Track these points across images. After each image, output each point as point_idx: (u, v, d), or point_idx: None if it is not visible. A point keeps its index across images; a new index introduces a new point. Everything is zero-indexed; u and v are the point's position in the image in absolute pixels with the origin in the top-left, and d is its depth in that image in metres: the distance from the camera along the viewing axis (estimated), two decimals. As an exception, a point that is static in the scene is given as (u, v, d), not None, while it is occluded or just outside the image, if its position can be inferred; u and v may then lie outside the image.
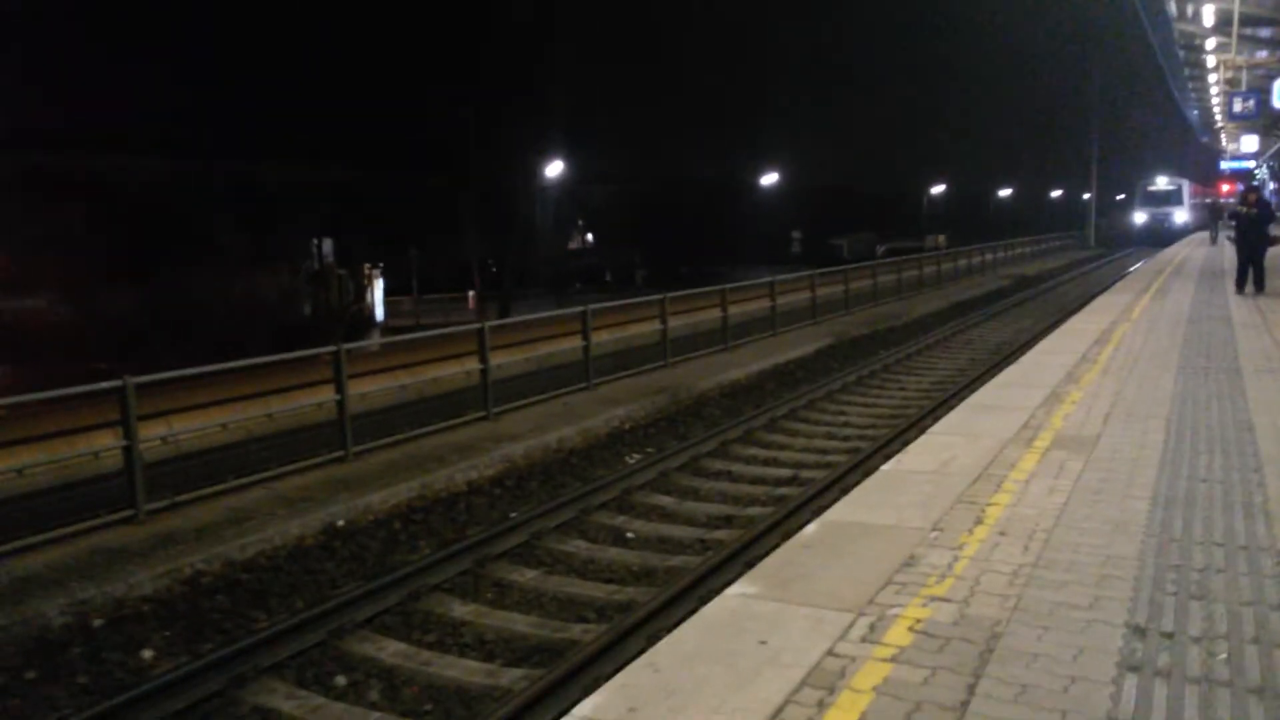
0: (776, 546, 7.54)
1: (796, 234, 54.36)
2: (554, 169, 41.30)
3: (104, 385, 8.39)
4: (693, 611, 6.39)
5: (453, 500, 9.18)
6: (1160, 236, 56.69)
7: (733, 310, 18.13)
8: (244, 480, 9.23)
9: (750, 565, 7.15)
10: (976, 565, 4.66)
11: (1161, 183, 62.93)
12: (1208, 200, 66.62)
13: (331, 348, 10.30)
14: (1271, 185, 49.89)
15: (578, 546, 8.01)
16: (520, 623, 6.46)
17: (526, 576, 7.33)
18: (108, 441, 8.77)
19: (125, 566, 7.04)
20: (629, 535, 8.28)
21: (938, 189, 73.53)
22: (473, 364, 12.28)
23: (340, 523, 8.46)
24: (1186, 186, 62.98)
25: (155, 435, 9.22)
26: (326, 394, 10.61)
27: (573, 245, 75.84)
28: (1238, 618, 4.00)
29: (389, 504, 8.91)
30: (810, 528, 5.43)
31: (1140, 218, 62.93)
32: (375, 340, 18.51)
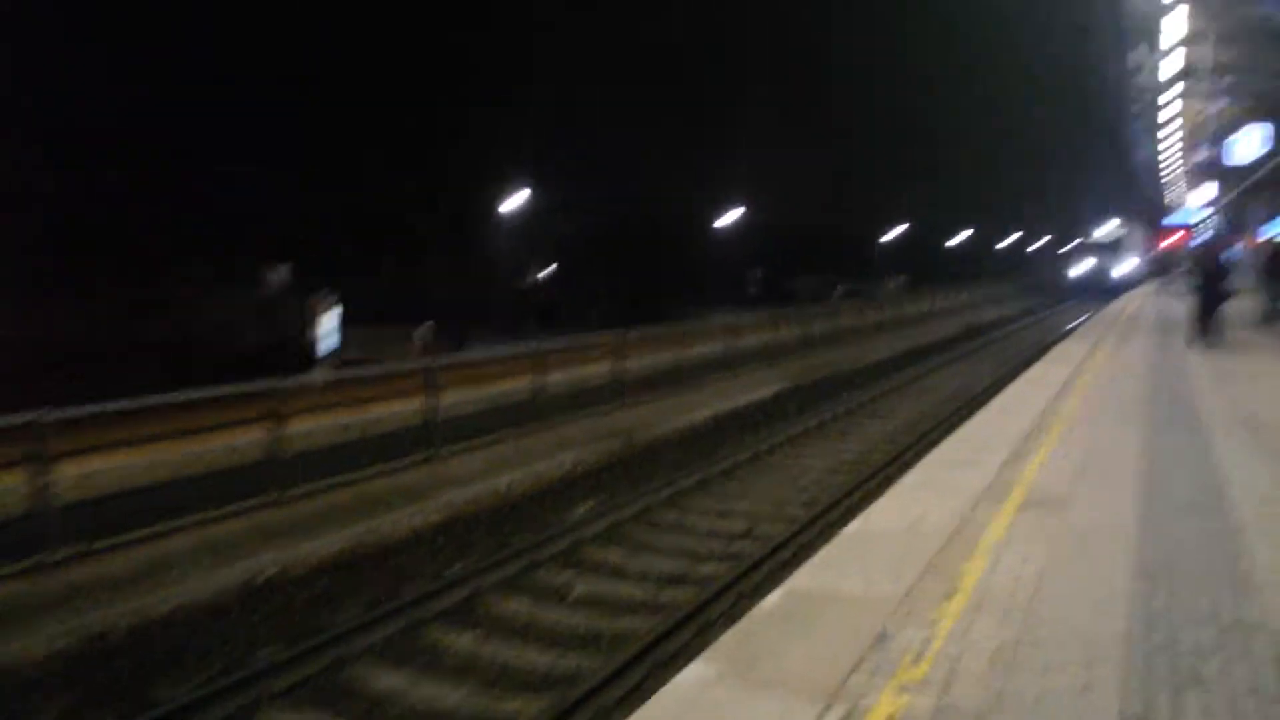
0: (733, 608, 7.15)
1: (757, 274, 54.37)
2: (517, 199, 40.90)
3: (16, 419, 7.78)
4: (643, 682, 5.98)
5: (391, 550, 8.65)
6: (1102, 288, 54.44)
7: (691, 351, 17.81)
8: (168, 525, 8.64)
9: (702, 630, 6.75)
10: (954, 643, 4.27)
11: (1104, 231, 61.92)
12: (1157, 252, 67.35)
13: (269, 384, 9.75)
14: (1210, 237, 49.24)
15: (521, 606, 7.53)
16: (451, 696, 5.96)
17: (463, 640, 6.83)
18: (14, 482, 8.14)
19: (23, 623, 6.43)
20: (576, 594, 7.81)
21: (896, 232, 74.21)
22: (420, 402, 11.78)
23: (269, 574, 7.90)
24: (1129, 235, 61.74)
25: (71, 475, 8.61)
26: (264, 432, 10.05)
27: (531, 279, 75.47)
28: (1238, 711, 3.65)
29: (323, 553, 8.35)
30: (774, 596, 5.01)
31: (1081, 268, 61.33)
32: (317, 376, 17.88)
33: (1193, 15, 17.53)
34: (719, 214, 52.21)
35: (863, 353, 24.62)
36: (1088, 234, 61.89)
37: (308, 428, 11.72)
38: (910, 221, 70.63)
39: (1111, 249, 59.92)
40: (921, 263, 78.18)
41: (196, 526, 8.68)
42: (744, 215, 52.98)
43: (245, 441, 10.62)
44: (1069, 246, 66.10)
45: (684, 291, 62.20)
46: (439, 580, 7.85)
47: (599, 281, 59.88)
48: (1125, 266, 58.74)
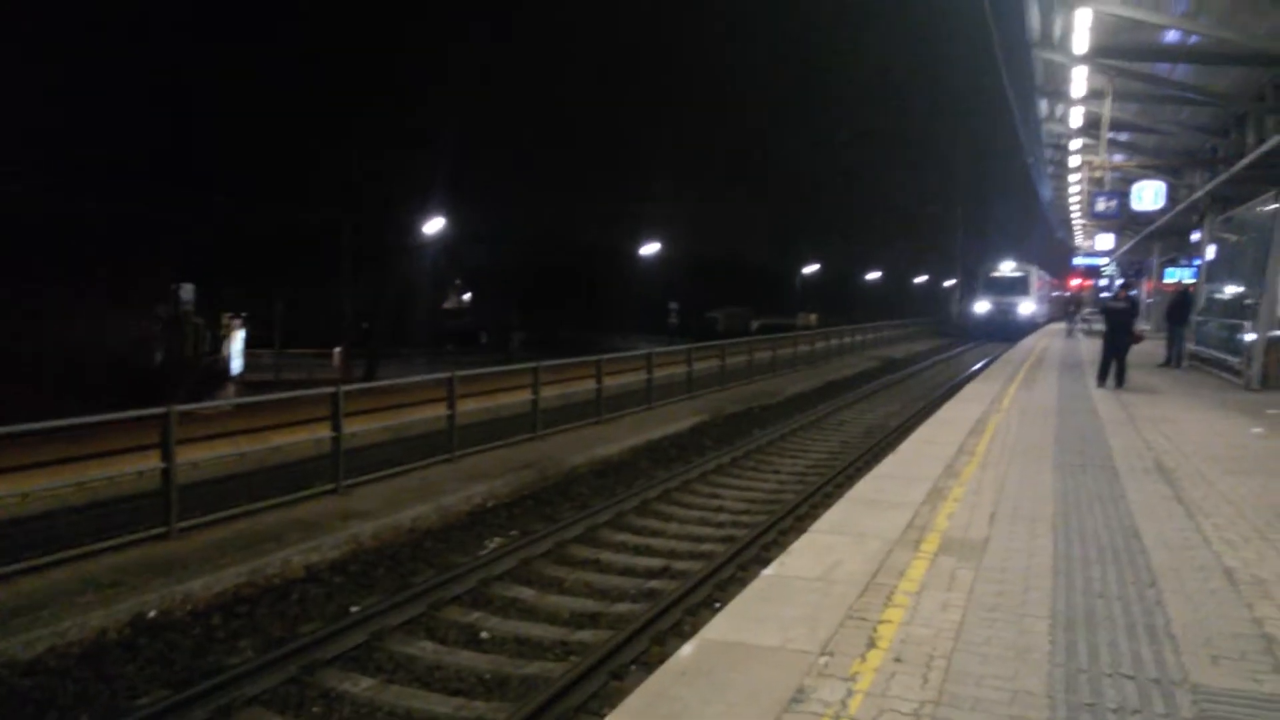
0: (645, 652, 6.90)
1: (674, 305, 54.51)
2: (434, 225, 40.28)
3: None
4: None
5: (287, 588, 8.20)
6: (1004, 329, 50.11)
7: (608, 381, 17.58)
8: (46, 559, 8.05)
9: (616, 676, 6.49)
10: (873, 702, 4.09)
11: (1006, 269, 55.22)
12: (1064, 293, 68.93)
13: (160, 409, 9.21)
14: (1119, 281, 49.79)
15: (424, 649, 7.16)
16: (347, 750, 5.58)
17: (361, 686, 6.44)
18: None
19: None
20: (483, 635, 7.47)
21: (811, 269, 75.37)
22: (325, 431, 11.31)
23: (152, 614, 7.41)
24: (1034, 275, 55.93)
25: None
26: (154, 460, 9.49)
27: (449, 304, 74.57)
28: (1163, 776, 3.53)
29: (212, 591, 7.88)
30: (687, 649, 4.78)
31: (982, 307, 55.14)
32: (210, 404, 17.19)
33: (1091, 75, 18.12)
34: (639, 247, 52.31)
35: (779, 386, 24.70)
36: (992, 269, 56.04)
37: (204, 455, 11.17)
38: (826, 258, 71.78)
39: (1017, 286, 54.31)
40: (837, 298, 79.62)
41: (76, 561, 8.12)
42: (665, 249, 53.23)
43: (131, 470, 10.05)
44: (974, 280, 59.60)
45: (604, 322, 62.20)
46: (338, 620, 7.43)
47: (518, 310, 59.46)
48: (1031, 305, 54.36)
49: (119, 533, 8.70)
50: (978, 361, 33.64)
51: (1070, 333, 39.99)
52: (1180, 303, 23.08)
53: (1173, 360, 22.56)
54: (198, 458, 10.82)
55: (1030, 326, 51.33)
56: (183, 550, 8.60)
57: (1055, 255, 77.49)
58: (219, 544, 8.79)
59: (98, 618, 7.13)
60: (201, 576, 7.95)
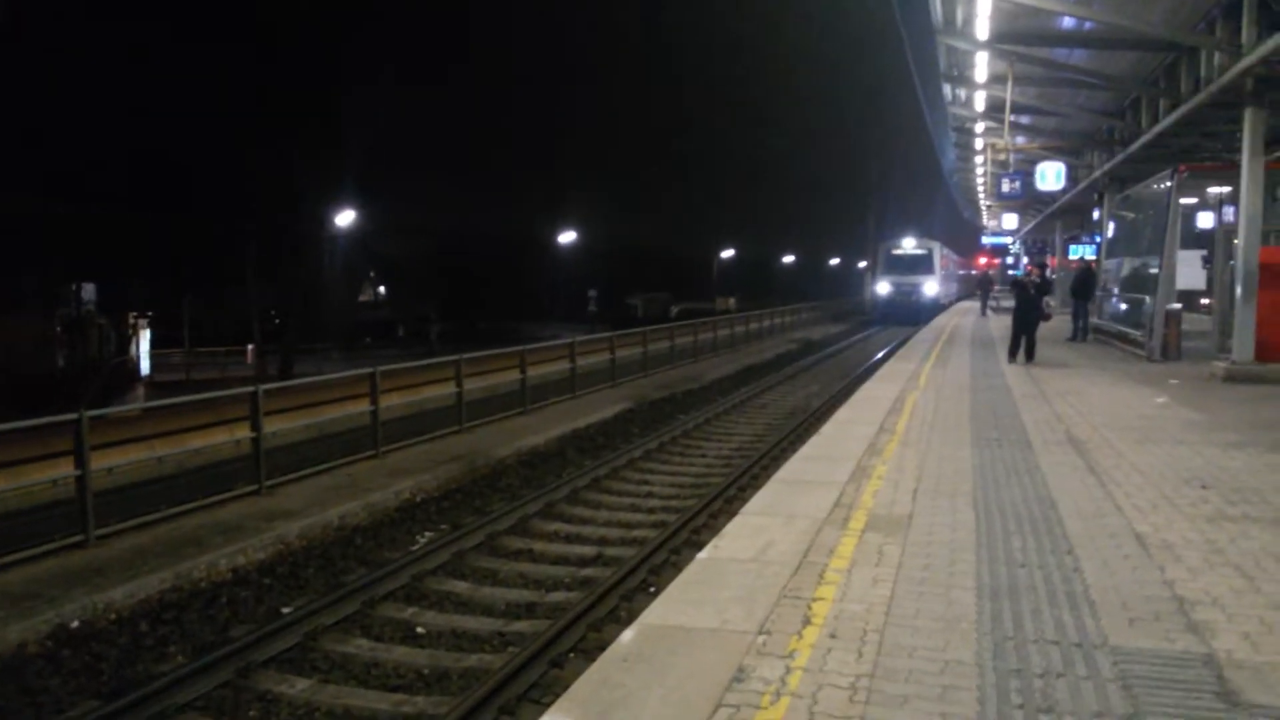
0: (584, 639, 6.96)
1: (593, 293, 54.52)
2: (345, 217, 39.55)
3: None
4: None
5: (214, 592, 8.04)
6: (908, 311, 46.63)
7: (532, 371, 17.54)
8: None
9: (555, 664, 6.53)
10: (811, 678, 4.21)
11: (908, 246, 50.26)
12: (973, 271, 70.22)
13: (72, 415, 8.93)
14: (1025, 260, 50.17)
15: (360, 646, 7.10)
16: (288, 752, 5.53)
17: (298, 688, 6.36)
18: None
19: None
20: (419, 630, 7.44)
21: (728, 253, 76.08)
22: (245, 431, 11.09)
23: (74, 624, 7.20)
24: (938, 251, 50.97)
25: None
26: (66, 467, 9.20)
27: (364, 298, 73.37)
28: (1087, 733, 3.72)
29: (135, 599, 7.69)
30: (628, 634, 4.84)
31: (883, 288, 50.23)
32: (124, 407, 16.74)
33: (993, 60, 18.66)
34: (556, 235, 52.14)
35: (701, 370, 24.93)
36: (893, 246, 51.02)
37: (120, 461, 10.87)
38: (743, 243, 72.40)
39: (920, 264, 49.50)
40: (755, 282, 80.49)
41: (-12, 574, 7.85)
42: (582, 237, 53.15)
43: (43, 480, 9.74)
44: (875, 258, 53.87)
45: (523, 311, 61.87)
46: (270, 622, 7.32)
47: (436, 301, 58.79)
48: (936, 284, 49.82)
49: (33, 543, 8.42)
50: (894, 340, 34.36)
51: (984, 311, 40.11)
52: (1083, 278, 23.95)
53: (1078, 334, 23.42)
54: (113, 463, 10.55)
55: (936, 307, 48.10)
56: (102, 558, 8.37)
57: (964, 234, 79.08)
58: (140, 550, 8.57)
59: (15, 631, 6.91)
60: (124, 584, 7.75)
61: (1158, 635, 4.64)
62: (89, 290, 40.21)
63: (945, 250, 55.51)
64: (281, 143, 37.78)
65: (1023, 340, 18.29)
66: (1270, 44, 12.07)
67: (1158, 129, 18.11)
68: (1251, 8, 13.16)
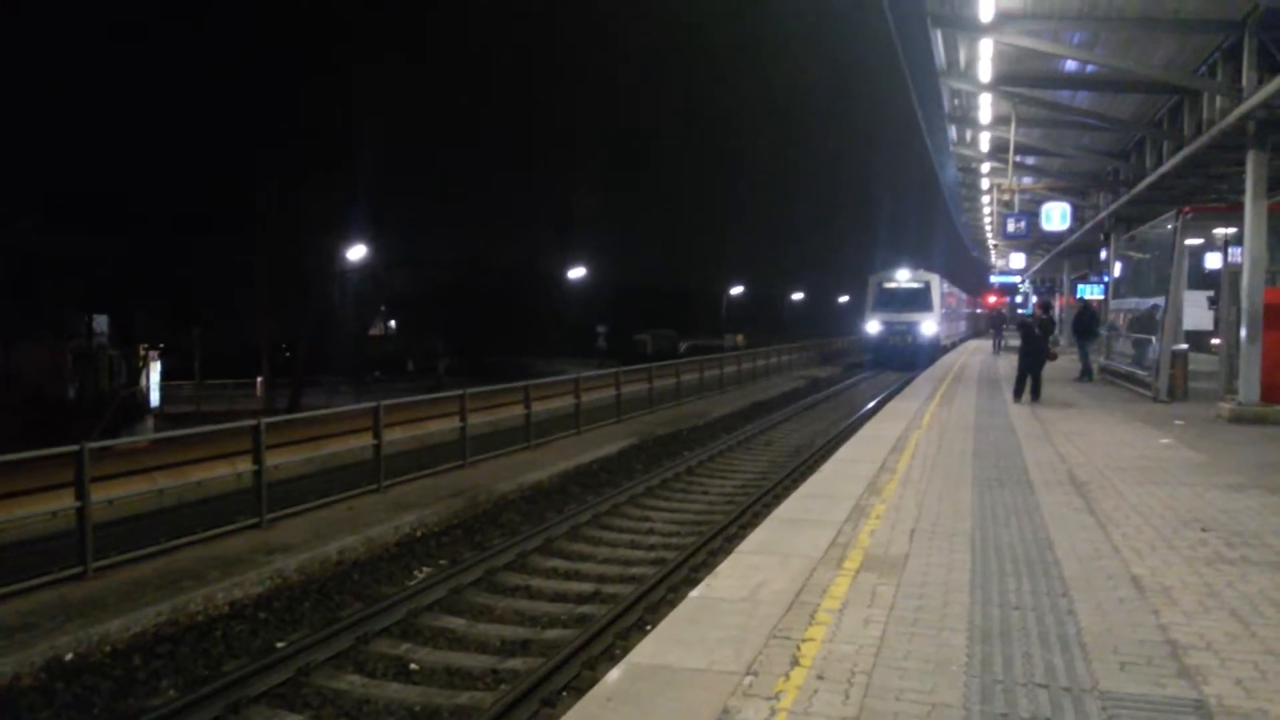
0: (577, 677, 6.92)
1: (602, 328, 54.62)
2: (356, 252, 39.84)
3: None
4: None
5: (209, 626, 8.03)
6: (903, 355, 41.22)
7: (537, 407, 17.57)
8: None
9: (546, 703, 6.50)
10: (796, 720, 4.18)
11: (902, 278, 43.53)
12: (978, 310, 69.80)
13: (73, 447, 8.98)
14: (1034, 299, 48.79)
15: (352, 682, 7.08)
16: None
17: (288, 724, 6.35)
18: None
19: None
20: (413, 666, 7.41)
21: (737, 290, 76.30)
22: (247, 464, 11.12)
23: (68, 657, 7.19)
24: (938, 285, 44.08)
25: None
26: (67, 499, 9.23)
27: (374, 331, 73.71)
28: (1072, 779, 3.68)
29: (131, 632, 7.68)
30: (614, 674, 4.83)
31: (874, 327, 43.69)
32: (127, 439, 16.78)
33: (996, 102, 18.83)
34: (567, 271, 52.41)
35: (707, 407, 24.92)
36: (885, 278, 44.15)
37: (121, 493, 10.91)
38: (753, 280, 72.58)
39: (917, 299, 42.60)
40: (764, 319, 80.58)
41: (-16, 606, 7.86)
42: (592, 273, 53.43)
43: (42, 511, 9.77)
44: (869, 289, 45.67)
45: (532, 346, 62.08)
46: (263, 656, 7.31)
47: (445, 335, 59.04)
48: (934, 324, 42.88)
49: (31, 575, 8.43)
50: (899, 381, 34.27)
51: (996, 349, 38.68)
52: (1083, 318, 23.96)
53: (1084, 374, 23.36)
54: (115, 495, 10.58)
55: (935, 349, 42.32)
56: (100, 590, 8.37)
57: (973, 273, 78.77)
58: (138, 582, 8.58)
59: (10, 663, 6.90)
60: (120, 616, 7.74)
61: (1149, 680, 4.60)
62: (101, 322, 40.52)
63: (947, 285, 49.01)
64: (293, 176, 38.17)
65: (1028, 379, 18.26)
66: (1270, 88, 12.14)
67: (1161, 170, 18.17)
68: (1251, 52, 13.28)
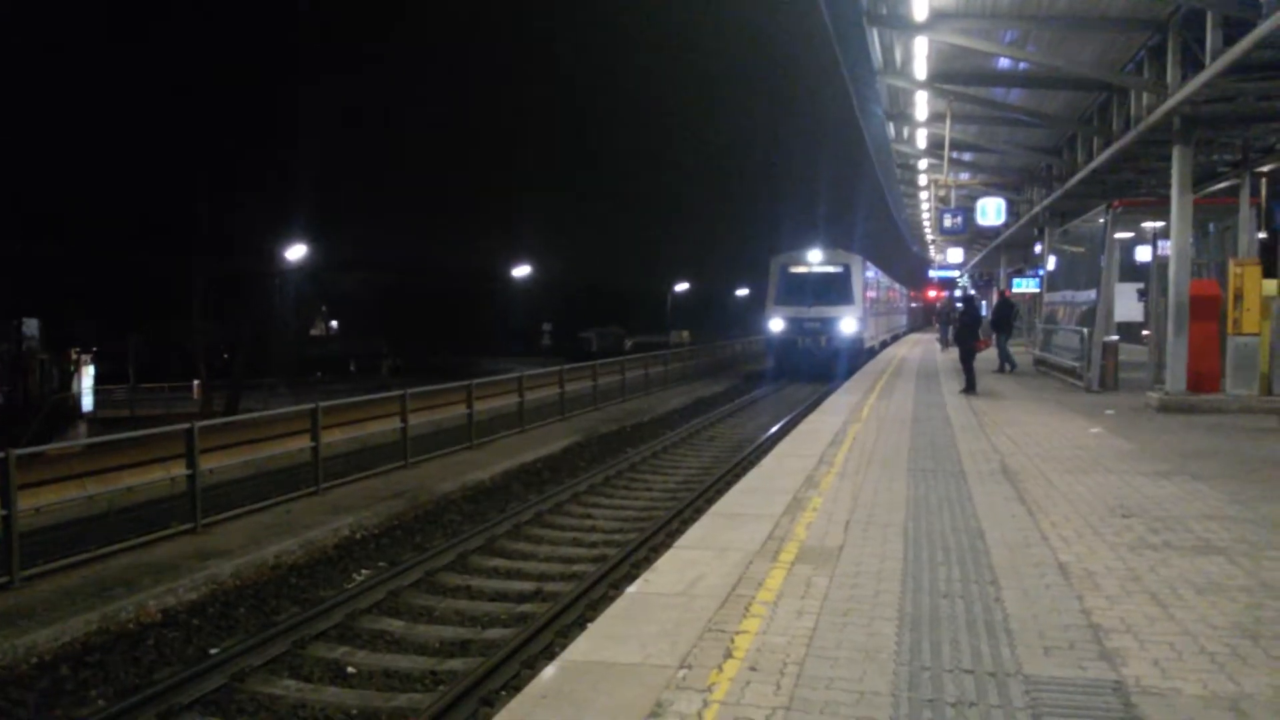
0: (516, 677, 6.91)
1: (547, 326, 54.47)
2: (295, 252, 39.20)
3: None
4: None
5: (141, 634, 7.88)
6: (817, 361, 32.03)
7: (480, 406, 17.48)
8: None
9: (485, 702, 6.48)
10: (728, 711, 4.22)
11: (815, 259, 33.53)
12: (913, 304, 70.25)
13: (-3, 453, 8.74)
14: (972, 291, 49.11)
15: (288, 688, 6.99)
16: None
17: (221, 731, 6.25)
18: None
19: None
20: (350, 670, 7.34)
21: (682, 287, 76.48)
22: (180, 468, 10.92)
23: (-7, 668, 7.00)
24: (860, 268, 34.02)
25: None
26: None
27: (315, 332, 72.72)
28: (994, 762, 3.76)
29: (59, 642, 7.51)
30: (549, 671, 4.83)
31: (776, 325, 33.53)
32: (57, 445, 16.40)
33: (932, 99, 19.11)
34: (511, 270, 52.16)
35: (652, 404, 24.98)
36: (790, 259, 33.99)
37: (50, 500, 10.66)
38: (698, 277, 72.78)
39: (833, 288, 33.01)
40: (710, 315, 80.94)
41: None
42: (537, 271, 53.24)
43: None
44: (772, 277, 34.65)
45: (477, 345, 61.68)
46: (196, 664, 7.19)
47: (389, 336, 58.43)
48: (854, 321, 32.89)
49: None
50: (812, 393, 32.75)
51: (944, 345, 36.79)
52: (1001, 311, 24.45)
53: (1003, 365, 23.70)
54: (44, 502, 10.34)
55: (858, 353, 33.02)
56: (27, 600, 8.18)
57: (913, 260, 79.25)
58: (67, 591, 8.39)
59: (-70, 678, 6.72)
60: (48, 626, 7.57)
61: (1071, 664, 4.71)
62: (31, 326, 39.48)
63: (873, 270, 38.78)
64: (228, 178, 37.48)
65: (964, 371, 18.59)
66: (1192, 85, 12.49)
67: (1092, 165, 18.58)
68: (1175, 50, 13.62)
